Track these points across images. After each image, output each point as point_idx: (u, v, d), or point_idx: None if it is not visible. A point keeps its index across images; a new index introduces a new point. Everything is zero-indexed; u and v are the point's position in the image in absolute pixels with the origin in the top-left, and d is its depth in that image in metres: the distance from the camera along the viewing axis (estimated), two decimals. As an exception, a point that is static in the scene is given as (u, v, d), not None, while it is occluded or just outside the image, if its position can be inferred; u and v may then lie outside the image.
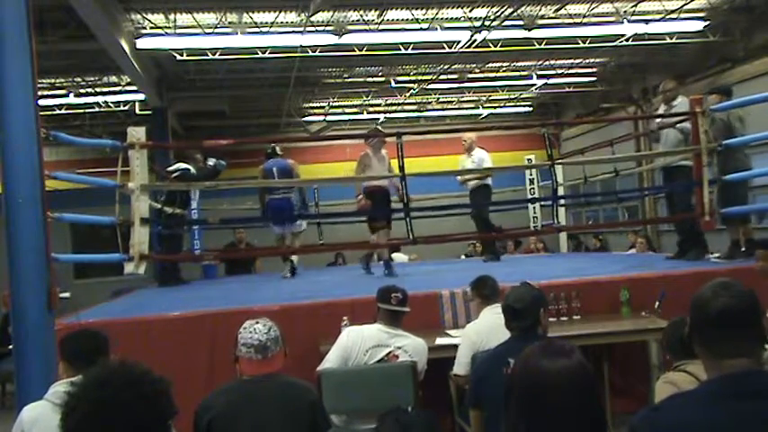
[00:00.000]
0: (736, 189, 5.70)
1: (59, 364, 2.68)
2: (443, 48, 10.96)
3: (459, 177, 7.84)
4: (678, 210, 6.24)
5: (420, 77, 13.46)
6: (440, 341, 4.11)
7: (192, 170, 7.67)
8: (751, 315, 1.62)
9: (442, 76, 13.22)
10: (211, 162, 7.76)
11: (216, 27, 9.69)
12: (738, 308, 1.61)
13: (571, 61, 13.07)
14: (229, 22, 9.81)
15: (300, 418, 2.71)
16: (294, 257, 7.71)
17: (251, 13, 9.61)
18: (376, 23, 10.01)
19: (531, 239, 12.78)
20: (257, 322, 2.83)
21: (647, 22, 10.44)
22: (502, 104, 16.49)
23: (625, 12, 10.39)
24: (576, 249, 12.68)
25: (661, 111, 6.24)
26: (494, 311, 3.61)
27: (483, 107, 16.37)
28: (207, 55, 10.49)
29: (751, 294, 1.65)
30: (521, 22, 10.29)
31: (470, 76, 13.69)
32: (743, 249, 5.73)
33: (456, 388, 3.92)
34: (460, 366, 3.69)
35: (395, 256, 10.76)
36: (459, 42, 10.74)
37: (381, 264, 7.04)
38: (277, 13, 9.59)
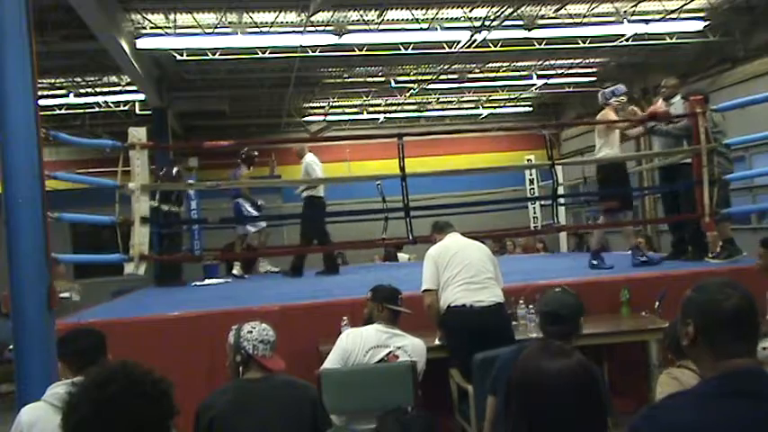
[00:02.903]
0: (721, 192, 5.69)
1: (59, 364, 2.67)
2: (443, 48, 10.96)
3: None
4: (683, 209, 6.15)
5: (420, 77, 13.46)
6: (439, 342, 4.11)
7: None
8: (756, 315, 1.62)
9: (442, 76, 13.22)
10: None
11: (216, 27, 9.70)
12: (749, 308, 1.60)
13: (571, 61, 13.07)
14: (229, 22, 9.81)
15: (301, 415, 2.72)
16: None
17: (251, 13, 9.61)
18: (376, 23, 10.01)
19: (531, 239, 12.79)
20: (260, 323, 2.89)
21: (647, 22, 10.44)
22: (502, 104, 16.50)
23: (625, 12, 10.39)
24: (577, 248, 12.67)
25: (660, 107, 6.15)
26: (452, 236, 4.29)
27: (483, 107, 16.38)
28: (207, 55, 10.49)
29: (751, 294, 1.65)
30: (521, 22, 10.29)
31: (470, 76, 13.69)
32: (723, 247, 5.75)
33: (457, 387, 3.92)
34: (427, 281, 4.10)
35: (398, 255, 10.82)
36: (459, 42, 10.74)
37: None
38: (277, 13, 9.59)
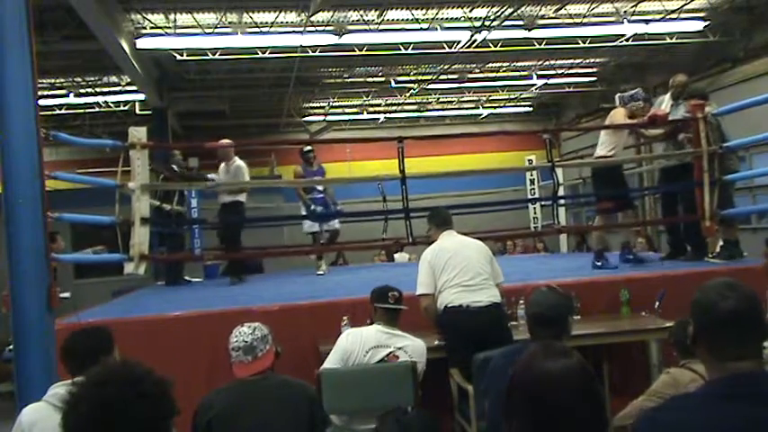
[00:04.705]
0: (724, 191, 5.69)
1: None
2: (443, 48, 10.97)
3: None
4: (683, 210, 6.09)
5: (420, 77, 13.47)
6: (438, 343, 4.10)
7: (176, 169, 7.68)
8: (757, 316, 1.61)
9: (442, 76, 13.23)
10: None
11: (216, 27, 9.70)
12: (747, 310, 1.59)
13: (571, 61, 13.08)
14: (229, 22, 9.82)
15: (299, 414, 2.73)
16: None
17: (251, 13, 9.62)
18: (376, 23, 10.02)
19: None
20: (242, 325, 2.90)
21: (647, 22, 10.45)
22: (502, 104, 16.51)
23: (625, 12, 10.40)
24: (577, 248, 12.67)
25: (666, 106, 6.12)
26: (448, 235, 4.22)
27: (483, 107, 16.39)
28: (207, 55, 10.50)
29: (754, 295, 1.64)
30: (521, 22, 10.30)
31: (470, 76, 13.70)
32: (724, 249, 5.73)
33: (457, 387, 3.92)
34: (422, 286, 4.06)
35: (396, 256, 10.82)
36: (459, 42, 10.75)
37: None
38: (277, 13, 9.59)
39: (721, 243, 5.84)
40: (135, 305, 5.94)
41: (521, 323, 4.48)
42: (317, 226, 7.37)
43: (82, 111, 13.66)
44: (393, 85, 13.69)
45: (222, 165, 7.15)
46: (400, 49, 10.87)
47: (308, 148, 7.80)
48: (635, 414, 2.59)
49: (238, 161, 7.04)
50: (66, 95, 12.56)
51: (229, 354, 2.85)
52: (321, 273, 7.44)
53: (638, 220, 14.10)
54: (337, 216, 7.42)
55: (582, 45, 11.28)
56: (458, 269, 3.98)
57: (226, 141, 7.01)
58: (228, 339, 2.87)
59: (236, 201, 7.03)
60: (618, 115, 5.94)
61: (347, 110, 16.02)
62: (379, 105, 15.69)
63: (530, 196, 12.00)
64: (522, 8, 9.87)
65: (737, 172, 5.89)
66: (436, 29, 10.29)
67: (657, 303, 4.53)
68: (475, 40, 10.57)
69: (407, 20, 10.15)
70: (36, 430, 2.37)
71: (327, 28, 9.98)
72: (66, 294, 6.20)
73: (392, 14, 9.99)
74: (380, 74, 13.28)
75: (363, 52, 10.98)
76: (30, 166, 4.04)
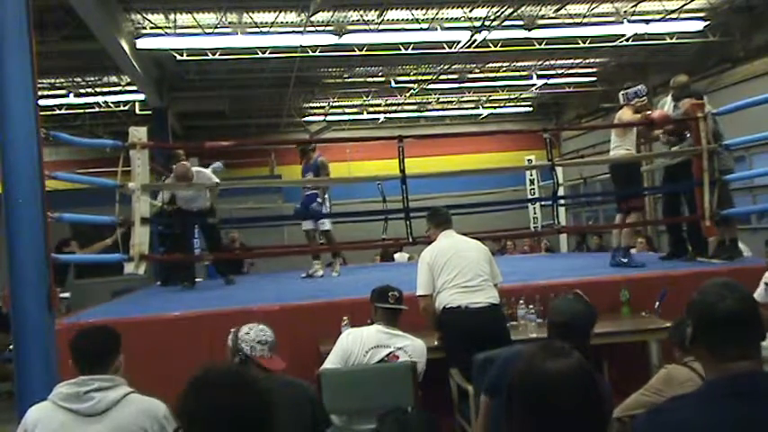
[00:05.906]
0: (723, 190, 5.68)
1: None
2: (443, 48, 10.98)
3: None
4: (688, 209, 6.05)
5: (420, 77, 13.48)
6: (438, 343, 4.10)
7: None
8: (754, 317, 1.63)
9: (442, 76, 13.24)
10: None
11: (216, 27, 9.71)
12: (745, 310, 1.61)
13: (571, 61, 13.09)
14: (229, 22, 9.82)
15: (301, 415, 2.73)
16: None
17: (251, 13, 9.62)
18: (376, 23, 10.03)
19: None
20: (258, 324, 2.88)
21: (647, 22, 10.46)
22: (502, 104, 16.52)
23: (625, 12, 10.41)
24: (578, 248, 12.67)
25: (669, 107, 6.08)
26: (447, 236, 4.19)
27: (483, 107, 16.40)
28: (207, 55, 10.51)
29: (752, 295, 1.66)
30: (521, 22, 10.30)
31: (470, 76, 13.71)
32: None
33: (457, 387, 3.92)
34: (422, 287, 4.04)
35: (396, 256, 10.82)
36: (459, 42, 10.76)
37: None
38: (277, 13, 9.60)
39: (728, 243, 5.79)
40: (135, 305, 5.94)
41: (520, 323, 4.49)
42: (309, 224, 7.30)
43: (82, 111, 13.67)
44: (393, 85, 13.70)
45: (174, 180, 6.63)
46: (400, 49, 10.88)
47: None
48: (632, 406, 2.60)
49: (196, 169, 6.80)
50: (67, 95, 12.56)
51: (245, 347, 2.78)
52: (304, 276, 7.35)
53: (639, 221, 14.10)
54: (323, 216, 7.24)
55: (582, 45, 11.29)
56: (457, 270, 3.97)
57: (186, 163, 6.69)
58: (243, 335, 2.80)
59: (212, 206, 7.04)
60: (626, 115, 5.94)
61: (347, 110, 16.03)
62: (379, 105, 15.70)
63: (530, 196, 11.99)
64: (522, 8, 9.88)
65: (732, 171, 5.89)
66: (436, 29, 10.30)
67: (658, 303, 4.53)
68: (475, 40, 10.57)
69: (407, 20, 10.16)
70: (39, 429, 2.37)
71: (327, 28, 9.98)
72: (67, 294, 6.20)
73: (392, 14, 10.00)
74: (380, 74, 13.29)
75: (363, 52, 10.99)
76: (30, 167, 4.04)
